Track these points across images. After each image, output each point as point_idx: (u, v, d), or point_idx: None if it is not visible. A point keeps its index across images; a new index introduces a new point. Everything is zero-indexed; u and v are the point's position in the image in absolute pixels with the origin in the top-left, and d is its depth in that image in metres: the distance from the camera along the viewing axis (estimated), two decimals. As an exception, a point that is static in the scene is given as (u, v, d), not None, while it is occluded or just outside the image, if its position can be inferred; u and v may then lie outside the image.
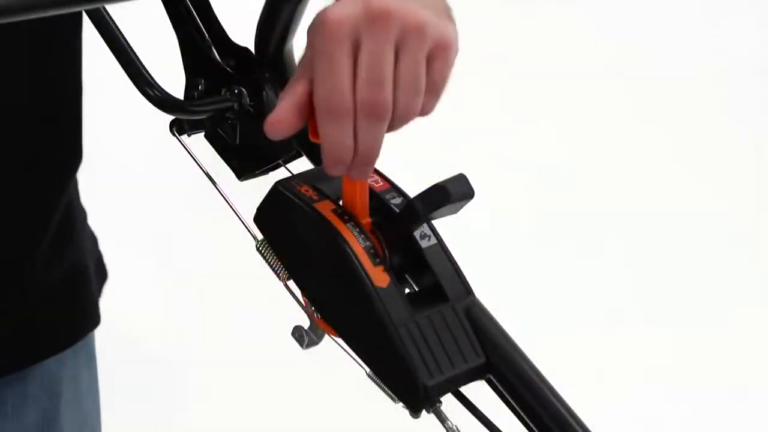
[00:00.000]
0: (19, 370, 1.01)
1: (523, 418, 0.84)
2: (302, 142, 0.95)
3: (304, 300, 0.87)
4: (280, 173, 0.93)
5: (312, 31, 0.77)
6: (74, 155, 1.02)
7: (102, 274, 1.10)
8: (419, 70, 0.77)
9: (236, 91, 0.95)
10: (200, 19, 0.98)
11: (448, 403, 0.83)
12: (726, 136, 2.96)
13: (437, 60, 0.77)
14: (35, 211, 0.99)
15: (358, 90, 0.76)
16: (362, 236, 0.83)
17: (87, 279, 1.06)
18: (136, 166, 2.70)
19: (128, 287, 2.60)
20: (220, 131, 0.98)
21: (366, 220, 0.85)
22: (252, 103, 0.95)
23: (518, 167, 2.85)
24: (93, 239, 1.10)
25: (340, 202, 0.86)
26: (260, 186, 0.92)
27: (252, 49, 0.96)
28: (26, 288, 0.99)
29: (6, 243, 0.98)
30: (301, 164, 0.93)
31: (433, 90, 0.78)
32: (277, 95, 0.94)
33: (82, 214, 1.08)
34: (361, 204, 0.84)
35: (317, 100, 0.76)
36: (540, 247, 2.82)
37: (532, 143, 2.87)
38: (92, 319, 1.08)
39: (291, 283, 0.88)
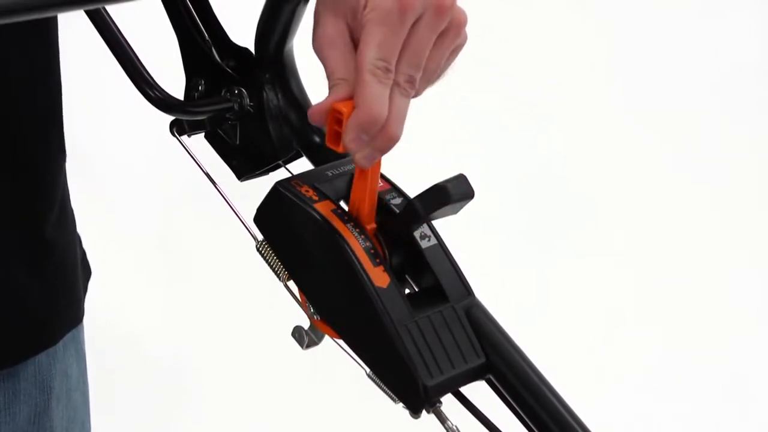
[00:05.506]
0: (11, 365, 1.01)
1: (523, 418, 0.84)
2: (302, 143, 0.95)
3: (303, 301, 0.87)
4: (280, 173, 0.93)
5: None
6: (59, 145, 1.02)
7: (86, 271, 1.11)
8: (442, 63, 0.83)
9: (236, 92, 0.95)
10: (200, 20, 0.98)
11: (448, 403, 0.83)
12: (725, 137, 2.95)
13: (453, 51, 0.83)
14: (33, 207, 0.99)
15: (400, 65, 0.80)
16: (362, 236, 0.83)
17: (76, 274, 1.06)
18: (136, 167, 2.70)
19: (128, 287, 2.61)
20: (220, 131, 0.98)
21: (371, 226, 0.85)
22: (252, 104, 0.95)
23: (519, 167, 2.85)
24: (78, 236, 1.11)
25: (341, 203, 0.86)
26: (260, 186, 0.92)
27: (252, 49, 0.96)
28: (22, 284, 0.99)
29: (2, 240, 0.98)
30: (301, 164, 0.93)
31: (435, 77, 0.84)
32: (277, 96, 0.95)
33: (72, 210, 1.08)
34: (369, 208, 0.84)
35: (367, 58, 0.79)
36: (540, 247, 2.82)
37: (532, 143, 2.87)
38: (79, 313, 1.08)
39: (291, 284, 0.88)
